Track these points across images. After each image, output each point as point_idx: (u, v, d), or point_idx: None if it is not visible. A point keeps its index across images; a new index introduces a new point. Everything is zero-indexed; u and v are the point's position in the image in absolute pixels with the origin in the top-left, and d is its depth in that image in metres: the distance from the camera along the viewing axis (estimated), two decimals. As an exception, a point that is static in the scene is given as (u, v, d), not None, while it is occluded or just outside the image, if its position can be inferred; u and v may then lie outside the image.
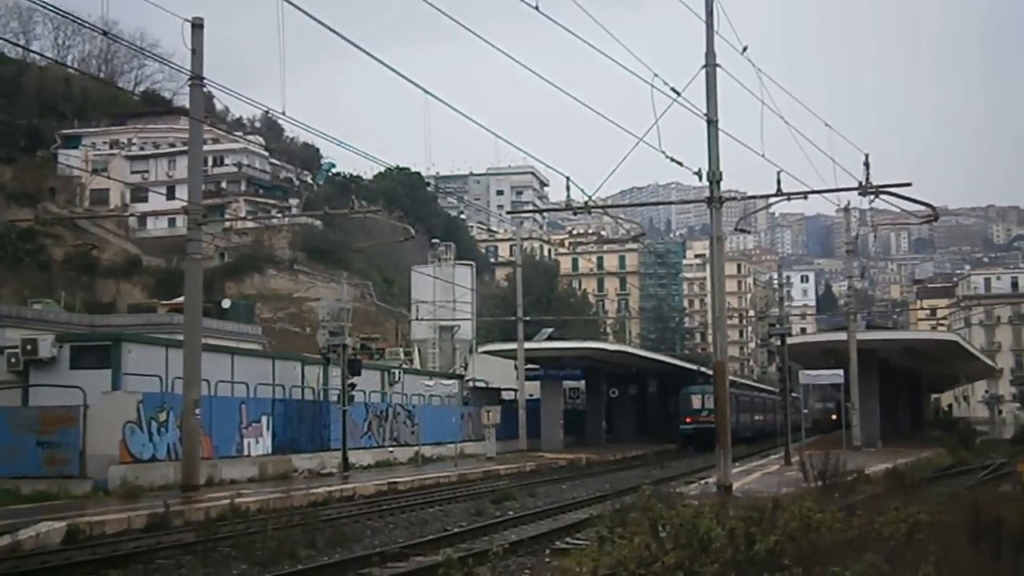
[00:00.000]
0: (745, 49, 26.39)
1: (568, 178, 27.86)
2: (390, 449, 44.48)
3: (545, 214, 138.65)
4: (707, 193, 27.59)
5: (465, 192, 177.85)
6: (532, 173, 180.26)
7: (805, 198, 28.84)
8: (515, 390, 57.95)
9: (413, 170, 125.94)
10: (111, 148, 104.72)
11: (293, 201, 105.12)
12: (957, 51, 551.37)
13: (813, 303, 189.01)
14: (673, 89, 25.36)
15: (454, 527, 22.41)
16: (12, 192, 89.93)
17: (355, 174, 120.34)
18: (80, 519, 21.05)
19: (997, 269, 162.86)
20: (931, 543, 12.84)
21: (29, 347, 31.92)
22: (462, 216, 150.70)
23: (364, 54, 22.98)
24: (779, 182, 27.65)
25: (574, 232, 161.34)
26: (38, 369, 31.93)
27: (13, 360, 32.13)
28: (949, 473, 35.60)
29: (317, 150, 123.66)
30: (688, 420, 63.33)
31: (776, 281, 71.49)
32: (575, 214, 31.60)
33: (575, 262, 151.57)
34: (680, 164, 26.89)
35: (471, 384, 59.17)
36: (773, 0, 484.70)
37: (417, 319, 65.78)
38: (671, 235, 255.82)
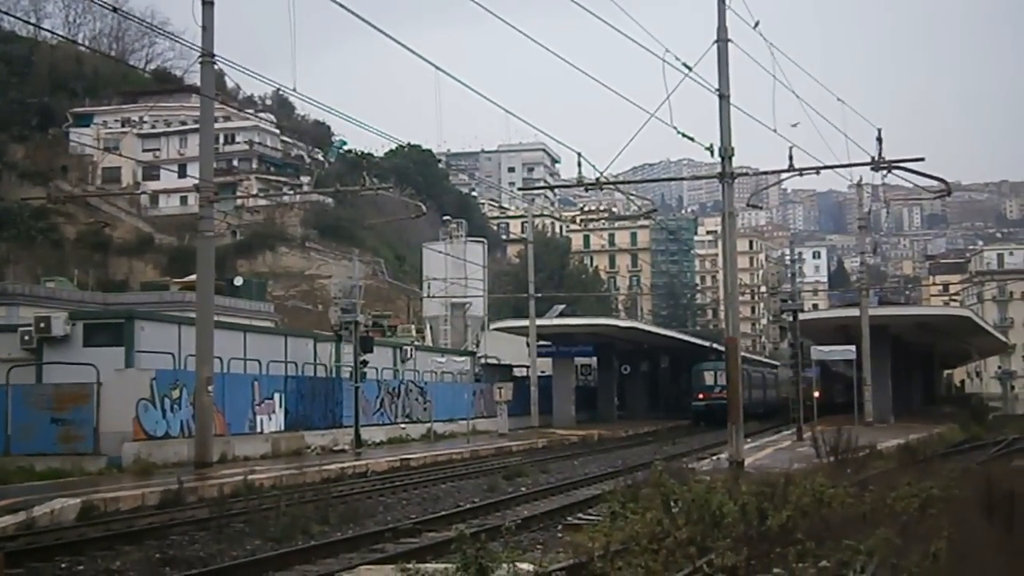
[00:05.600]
0: (757, 24, 26.32)
1: (580, 154, 27.78)
2: (402, 426, 44.60)
3: (557, 191, 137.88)
4: (719, 169, 27.50)
5: (476, 169, 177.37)
6: (543, 150, 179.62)
7: (817, 173, 28.78)
8: (527, 367, 58.00)
9: (424, 147, 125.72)
10: (122, 126, 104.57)
11: (304, 179, 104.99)
12: (970, 26, 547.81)
13: (825, 279, 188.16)
14: (685, 64, 25.28)
15: (467, 503, 22.48)
16: (24, 171, 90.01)
17: (366, 151, 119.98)
18: (94, 496, 21.17)
19: (1010, 245, 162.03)
20: (944, 518, 12.84)
21: (42, 325, 31.99)
22: (473, 193, 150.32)
23: (376, 31, 22.90)
24: (791, 158, 27.62)
25: (586, 209, 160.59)
26: (51, 347, 31.97)
27: (27, 338, 32.20)
28: (962, 449, 35.58)
29: (328, 128, 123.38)
30: (700, 396, 63.33)
31: (788, 257, 71.41)
32: (587, 190, 31.41)
33: (587, 239, 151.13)
34: (692, 140, 26.85)
35: (483, 361, 59.22)
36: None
37: (429, 296, 65.81)
38: (683, 211, 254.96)
